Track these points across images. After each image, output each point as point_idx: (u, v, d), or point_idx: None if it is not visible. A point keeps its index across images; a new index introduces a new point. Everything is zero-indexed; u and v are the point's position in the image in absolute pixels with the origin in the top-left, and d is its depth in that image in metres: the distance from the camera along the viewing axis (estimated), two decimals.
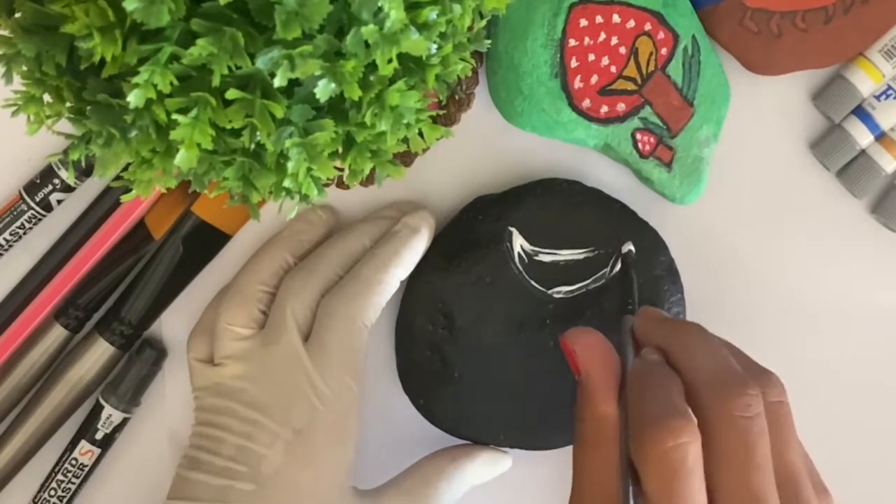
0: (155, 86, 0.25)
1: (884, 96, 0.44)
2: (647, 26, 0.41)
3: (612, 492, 0.34)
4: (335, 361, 0.39)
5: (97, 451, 0.43)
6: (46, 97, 0.28)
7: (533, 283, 0.42)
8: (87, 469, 0.43)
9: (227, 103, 0.26)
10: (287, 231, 0.43)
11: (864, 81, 0.43)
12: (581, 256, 0.43)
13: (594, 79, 0.40)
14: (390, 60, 0.27)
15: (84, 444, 0.43)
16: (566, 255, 0.43)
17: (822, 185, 0.46)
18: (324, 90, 0.26)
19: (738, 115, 0.44)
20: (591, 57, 0.40)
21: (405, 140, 0.31)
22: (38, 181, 0.41)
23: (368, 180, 0.41)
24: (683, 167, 0.43)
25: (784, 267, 0.46)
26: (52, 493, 0.43)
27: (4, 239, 0.42)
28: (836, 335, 0.47)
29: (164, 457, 0.45)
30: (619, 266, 0.42)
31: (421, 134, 0.31)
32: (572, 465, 0.36)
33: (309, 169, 0.29)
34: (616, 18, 0.40)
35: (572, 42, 0.40)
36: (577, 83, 0.40)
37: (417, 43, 0.27)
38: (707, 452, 0.32)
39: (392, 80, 0.29)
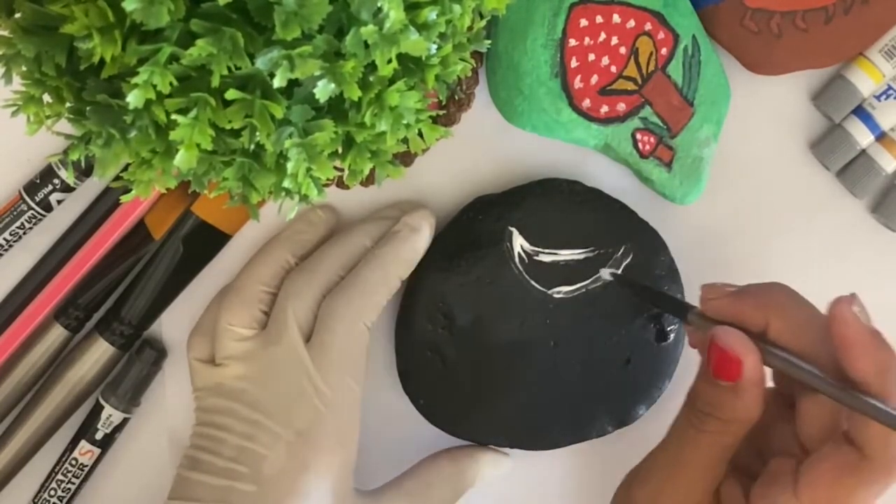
0: (154, 86, 0.25)
1: (884, 96, 0.44)
2: (648, 26, 0.41)
3: (715, 483, 0.37)
4: (336, 362, 0.39)
5: (97, 451, 0.43)
6: (46, 97, 0.28)
7: (533, 283, 0.42)
8: (87, 469, 0.43)
9: (227, 104, 0.26)
10: (288, 231, 0.43)
11: (865, 81, 0.43)
12: (581, 256, 0.43)
13: (594, 79, 0.40)
14: (390, 61, 0.27)
15: (84, 444, 0.43)
16: (566, 255, 0.43)
17: (822, 185, 0.46)
18: (323, 90, 0.26)
19: (738, 115, 0.44)
20: (592, 57, 0.40)
21: (405, 140, 0.31)
22: (38, 181, 0.41)
23: (368, 180, 0.41)
24: (683, 167, 0.43)
25: (784, 267, 0.46)
26: (52, 493, 0.43)
27: (4, 239, 0.42)
28: None
29: (164, 457, 0.45)
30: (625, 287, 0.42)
31: (421, 134, 0.31)
32: (678, 451, 0.37)
33: (308, 169, 0.29)
34: (616, 18, 0.40)
35: (572, 42, 0.40)
36: (578, 83, 0.40)
37: (417, 43, 0.27)
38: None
39: (392, 81, 0.29)
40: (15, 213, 0.42)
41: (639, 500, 0.38)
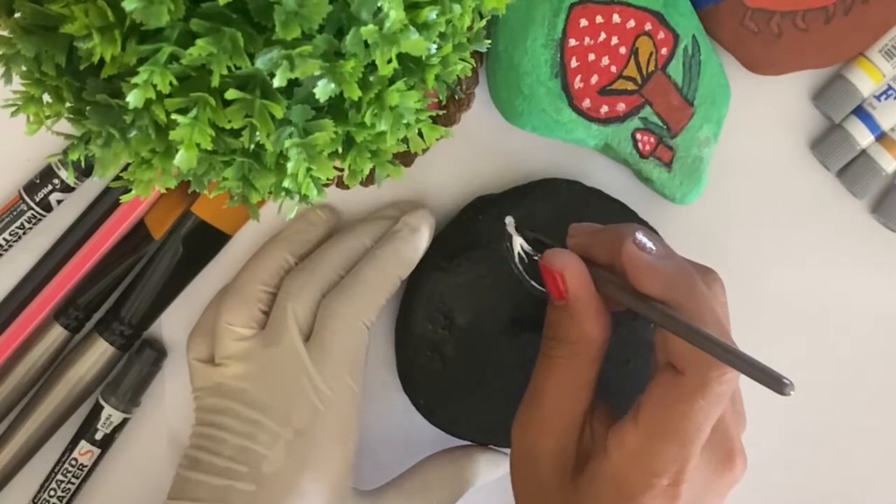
0: (154, 86, 0.25)
1: (884, 96, 0.44)
2: (648, 26, 0.41)
3: (579, 410, 0.37)
4: (336, 362, 0.39)
5: (97, 451, 0.43)
6: (46, 97, 0.28)
7: (533, 283, 0.42)
8: (86, 469, 0.43)
9: (227, 103, 0.26)
10: (287, 231, 0.43)
11: (865, 81, 0.43)
12: None
13: (594, 79, 0.40)
14: (390, 60, 0.27)
15: (84, 445, 0.43)
16: None
17: (822, 185, 0.46)
18: (323, 90, 0.26)
19: (738, 115, 0.44)
20: (592, 57, 0.40)
21: (405, 140, 0.31)
22: (38, 181, 0.41)
23: (368, 180, 0.41)
24: (683, 167, 0.43)
25: (784, 267, 0.46)
26: (52, 493, 0.43)
27: (4, 239, 0.42)
28: (835, 335, 0.47)
29: (164, 457, 0.45)
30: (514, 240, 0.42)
31: (421, 134, 0.31)
32: (537, 381, 0.38)
33: (308, 169, 0.29)
34: (616, 18, 0.40)
35: (572, 42, 0.40)
36: (578, 83, 0.40)
37: (417, 43, 0.27)
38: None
39: (392, 80, 0.29)
40: (15, 213, 0.42)
41: (515, 436, 0.39)
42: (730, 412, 0.37)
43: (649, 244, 0.36)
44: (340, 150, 0.31)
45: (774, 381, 0.30)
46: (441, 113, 0.41)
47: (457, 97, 0.41)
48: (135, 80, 0.25)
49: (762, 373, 0.31)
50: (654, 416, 0.34)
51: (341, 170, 0.31)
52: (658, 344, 0.37)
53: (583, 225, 0.40)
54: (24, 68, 0.27)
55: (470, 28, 0.32)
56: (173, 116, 0.26)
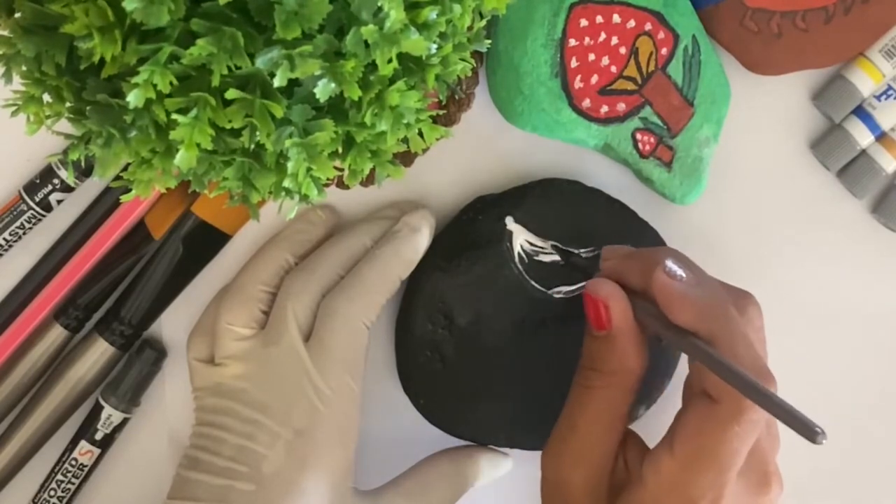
0: (154, 86, 0.25)
1: (884, 96, 0.44)
2: (648, 26, 0.41)
3: (613, 441, 0.37)
4: (336, 361, 0.39)
5: (97, 451, 0.43)
6: (46, 97, 0.28)
7: (533, 283, 0.42)
8: (86, 469, 0.43)
9: (227, 103, 0.26)
10: (287, 231, 0.43)
11: (865, 81, 0.43)
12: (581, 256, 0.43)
13: (594, 79, 0.40)
14: (390, 60, 0.27)
15: (84, 445, 0.43)
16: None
17: (822, 185, 0.46)
18: (324, 90, 0.26)
19: (738, 115, 0.44)
20: (592, 57, 0.40)
21: (405, 140, 0.31)
22: (38, 181, 0.41)
23: (368, 180, 0.41)
24: (683, 167, 0.43)
25: (784, 267, 0.46)
26: (52, 493, 0.43)
27: (4, 239, 0.42)
28: (835, 335, 0.47)
29: (164, 457, 0.45)
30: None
31: (421, 134, 0.31)
32: (571, 411, 0.38)
33: (309, 169, 0.29)
34: (616, 18, 0.40)
35: (572, 42, 0.40)
36: (578, 83, 0.40)
37: (417, 43, 0.27)
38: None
39: (392, 80, 0.29)
40: (15, 213, 0.42)
41: (546, 468, 0.38)
42: (764, 435, 0.37)
43: (679, 272, 0.36)
44: (340, 150, 0.31)
45: (805, 428, 0.30)
46: (441, 113, 0.41)
47: (457, 97, 0.41)
48: (135, 79, 0.25)
49: (793, 418, 0.30)
50: (690, 443, 0.34)
51: (341, 170, 0.31)
52: (692, 371, 0.37)
53: (616, 247, 0.40)
54: (24, 68, 0.27)
55: (470, 28, 0.32)
56: (173, 116, 0.26)
